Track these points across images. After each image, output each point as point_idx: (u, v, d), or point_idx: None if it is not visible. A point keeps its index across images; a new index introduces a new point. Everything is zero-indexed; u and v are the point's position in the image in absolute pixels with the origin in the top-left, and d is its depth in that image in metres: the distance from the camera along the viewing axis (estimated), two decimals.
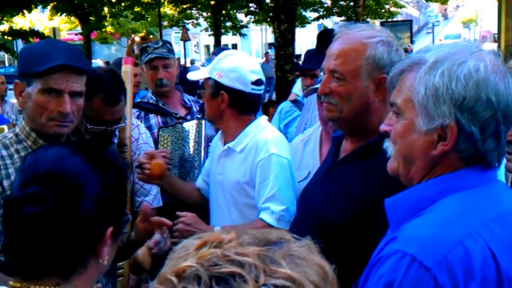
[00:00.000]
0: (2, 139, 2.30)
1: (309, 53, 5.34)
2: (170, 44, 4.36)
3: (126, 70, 3.23)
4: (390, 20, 29.57)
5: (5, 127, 3.25)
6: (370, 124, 2.18)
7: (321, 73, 4.16)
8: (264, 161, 2.84)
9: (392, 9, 31.19)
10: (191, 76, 3.10)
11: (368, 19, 29.50)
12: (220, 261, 0.89)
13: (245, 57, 3.05)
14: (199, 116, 4.01)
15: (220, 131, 3.14)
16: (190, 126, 3.86)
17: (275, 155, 2.84)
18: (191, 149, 3.80)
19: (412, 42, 22.61)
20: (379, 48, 2.12)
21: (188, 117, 4.06)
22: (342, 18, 28.61)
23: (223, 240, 0.94)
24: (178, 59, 29.69)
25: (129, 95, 3.08)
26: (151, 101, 4.13)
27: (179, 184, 3.27)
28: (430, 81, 1.50)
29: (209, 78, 2.93)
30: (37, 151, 1.53)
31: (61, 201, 1.35)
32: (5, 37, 21.01)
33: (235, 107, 2.93)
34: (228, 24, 31.36)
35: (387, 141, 1.68)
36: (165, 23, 32.88)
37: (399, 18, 33.28)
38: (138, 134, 3.39)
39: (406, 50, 21.24)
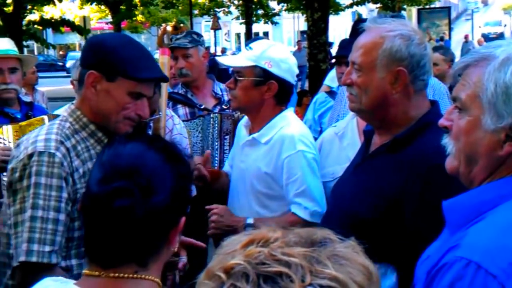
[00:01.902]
0: (62, 129, 2.28)
1: (344, 41, 5.36)
2: (198, 34, 4.39)
3: (163, 61, 3.30)
4: (427, 7, 28.80)
5: (45, 117, 3.37)
6: (392, 117, 2.20)
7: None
8: (291, 158, 2.85)
9: None
10: (227, 61, 3.10)
11: (405, 6, 28.86)
12: (268, 260, 0.92)
13: (287, 50, 3.14)
14: (218, 110, 4.05)
15: (246, 118, 3.17)
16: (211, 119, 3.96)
17: (302, 151, 2.86)
18: (211, 143, 3.90)
19: (450, 29, 21.95)
20: (396, 41, 2.14)
21: (217, 108, 4.09)
22: (378, 5, 27.92)
23: (270, 239, 0.97)
24: (207, 48, 29.82)
25: (164, 86, 3.17)
26: (180, 92, 4.20)
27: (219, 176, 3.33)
28: (500, 78, 1.45)
29: (254, 66, 2.91)
30: (115, 145, 1.59)
31: (143, 194, 1.44)
32: (36, 26, 21.10)
33: (277, 97, 2.96)
34: (260, 12, 31.05)
35: (446, 137, 1.62)
36: (196, 12, 32.87)
37: (437, 4, 32.45)
38: (172, 125, 3.47)
39: (441, 39, 20.51)
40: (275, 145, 2.90)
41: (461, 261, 1.37)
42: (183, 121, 3.90)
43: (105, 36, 2.36)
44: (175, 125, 3.49)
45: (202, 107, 4.06)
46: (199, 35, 4.38)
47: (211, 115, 3.94)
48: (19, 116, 3.68)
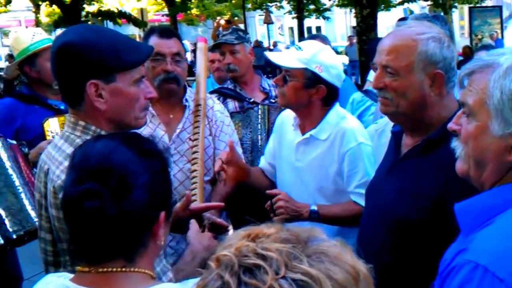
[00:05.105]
0: None
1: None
2: (243, 31, 4.50)
3: (200, 46, 3.50)
4: (479, 5, 28.31)
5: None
6: (428, 118, 2.20)
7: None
8: (353, 150, 2.92)
9: None
10: (278, 60, 3.05)
11: (456, 4, 28.51)
12: (249, 253, 0.97)
13: (336, 55, 3.13)
14: (266, 103, 4.14)
15: (291, 117, 3.17)
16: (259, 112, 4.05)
17: (363, 144, 2.94)
18: (259, 134, 4.00)
19: (502, 28, 21.55)
20: (430, 44, 2.14)
21: (266, 102, 4.16)
22: (429, 2, 27.75)
23: (262, 234, 1.02)
24: (260, 42, 29.73)
25: (202, 66, 3.40)
26: (230, 87, 4.31)
27: (253, 172, 3.33)
28: (506, 86, 1.48)
29: (305, 69, 2.92)
30: (85, 145, 1.60)
31: (115, 194, 1.43)
32: (94, 18, 21.78)
33: (324, 100, 2.98)
34: (311, 7, 31.21)
35: (455, 140, 1.65)
36: (249, 6, 33.04)
37: (488, 3, 31.83)
38: (213, 103, 3.50)
39: (491, 37, 20.18)
40: (336, 140, 2.96)
41: (469, 264, 1.38)
42: (232, 113, 4.03)
43: (73, 37, 2.02)
44: (214, 103, 3.51)
45: (251, 100, 4.15)
46: (245, 32, 4.51)
47: (259, 107, 4.05)
48: (62, 107, 3.67)
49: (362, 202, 2.81)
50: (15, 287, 4.01)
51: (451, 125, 1.66)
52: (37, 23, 30.90)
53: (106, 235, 1.45)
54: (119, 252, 1.48)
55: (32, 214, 3.03)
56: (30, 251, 3.16)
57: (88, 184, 1.43)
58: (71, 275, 1.52)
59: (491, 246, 1.41)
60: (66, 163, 1.92)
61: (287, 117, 3.22)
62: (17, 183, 3.17)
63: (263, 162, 3.41)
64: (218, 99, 4.14)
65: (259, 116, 4.02)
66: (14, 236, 3.02)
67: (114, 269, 1.46)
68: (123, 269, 1.47)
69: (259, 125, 4.00)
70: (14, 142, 3.38)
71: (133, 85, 2.04)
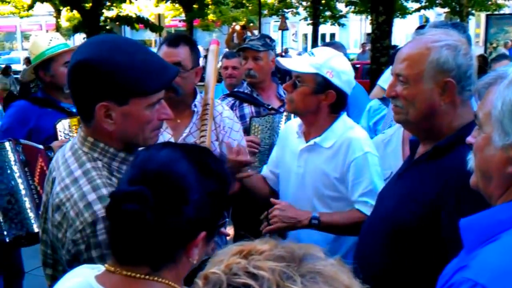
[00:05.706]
0: (101, 173, 1.94)
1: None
2: (271, 39, 4.52)
3: (213, 48, 3.53)
4: (496, 13, 28.30)
5: None
6: (438, 127, 2.19)
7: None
8: (359, 160, 2.91)
9: (499, 1, 29.91)
10: (289, 64, 3.01)
11: (473, 11, 28.50)
12: (240, 271, 0.93)
13: (348, 62, 3.13)
14: (284, 110, 4.17)
15: (296, 124, 3.18)
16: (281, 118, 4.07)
17: (370, 153, 2.93)
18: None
19: None
20: (443, 52, 2.12)
21: (282, 109, 4.21)
22: (445, 9, 27.80)
23: (254, 251, 0.98)
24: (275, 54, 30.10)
25: (213, 68, 3.41)
26: (246, 91, 4.36)
27: (254, 176, 3.34)
28: (507, 96, 1.46)
29: (316, 74, 2.91)
30: (151, 149, 1.59)
31: (163, 202, 1.42)
32: (112, 23, 22.07)
33: (332, 106, 2.97)
34: (327, 13, 31.38)
35: (470, 153, 1.64)
36: (265, 12, 33.21)
37: (506, 10, 31.75)
38: (222, 109, 3.47)
39: (505, 45, 20.04)
40: (341, 149, 2.94)
41: (467, 283, 1.35)
42: (252, 117, 4.11)
43: (93, 55, 1.91)
44: (224, 110, 3.46)
45: (270, 107, 4.21)
46: (272, 40, 4.50)
47: (284, 114, 4.04)
48: (74, 110, 3.58)
49: (365, 210, 2.84)
50: (19, 280, 4.23)
51: (468, 138, 1.67)
52: (57, 28, 31.35)
53: (138, 240, 1.44)
54: (147, 260, 1.46)
55: (32, 218, 3.11)
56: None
57: (138, 187, 1.42)
58: (103, 269, 1.52)
59: (493, 264, 1.37)
60: (68, 181, 1.93)
61: (291, 126, 3.25)
62: (20, 186, 3.18)
63: (265, 170, 3.42)
64: (234, 103, 4.31)
65: (282, 122, 4.03)
66: (8, 240, 3.09)
67: (138, 275, 1.45)
68: (146, 276, 1.46)
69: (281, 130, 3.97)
70: (41, 146, 3.47)
71: (148, 109, 1.95)
